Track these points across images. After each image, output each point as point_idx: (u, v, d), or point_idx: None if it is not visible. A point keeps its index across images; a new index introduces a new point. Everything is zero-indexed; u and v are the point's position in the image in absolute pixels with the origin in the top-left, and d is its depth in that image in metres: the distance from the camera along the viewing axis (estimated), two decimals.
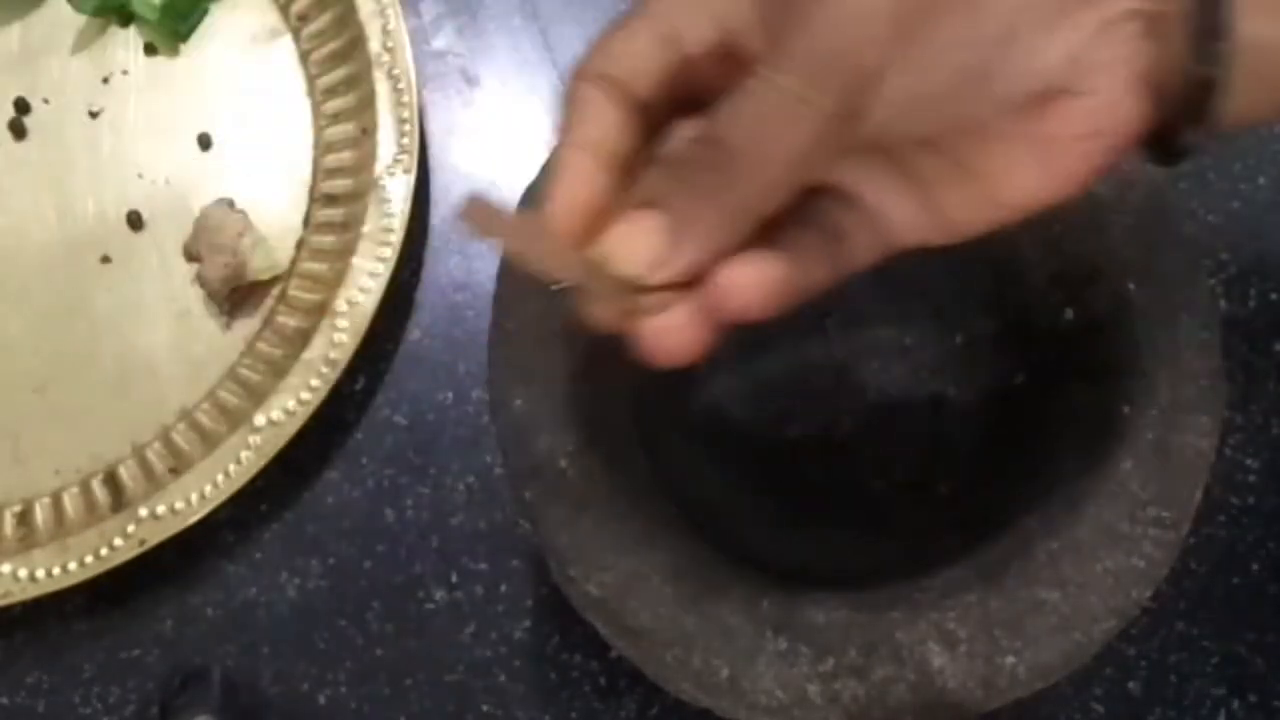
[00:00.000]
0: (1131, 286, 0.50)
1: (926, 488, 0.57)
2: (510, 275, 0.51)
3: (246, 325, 0.69)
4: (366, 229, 0.67)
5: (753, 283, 0.37)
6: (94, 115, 0.74)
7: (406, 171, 0.68)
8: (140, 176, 0.72)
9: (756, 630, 0.45)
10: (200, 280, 0.68)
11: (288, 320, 0.68)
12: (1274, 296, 0.66)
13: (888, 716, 0.44)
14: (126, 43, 0.75)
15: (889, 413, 0.58)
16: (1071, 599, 0.45)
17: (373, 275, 0.66)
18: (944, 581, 0.47)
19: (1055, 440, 0.51)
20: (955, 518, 0.53)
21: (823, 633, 0.45)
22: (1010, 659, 0.44)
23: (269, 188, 0.71)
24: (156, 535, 0.63)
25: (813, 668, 0.45)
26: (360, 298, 0.65)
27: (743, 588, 0.47)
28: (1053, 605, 0.45)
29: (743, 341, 0.58)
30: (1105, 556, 0.46)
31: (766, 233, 0.37)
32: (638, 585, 0.46)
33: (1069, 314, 0.52)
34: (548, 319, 0.50)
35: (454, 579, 0.64)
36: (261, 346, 0.68)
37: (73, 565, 0.63)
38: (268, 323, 0.68)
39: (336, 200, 0.70)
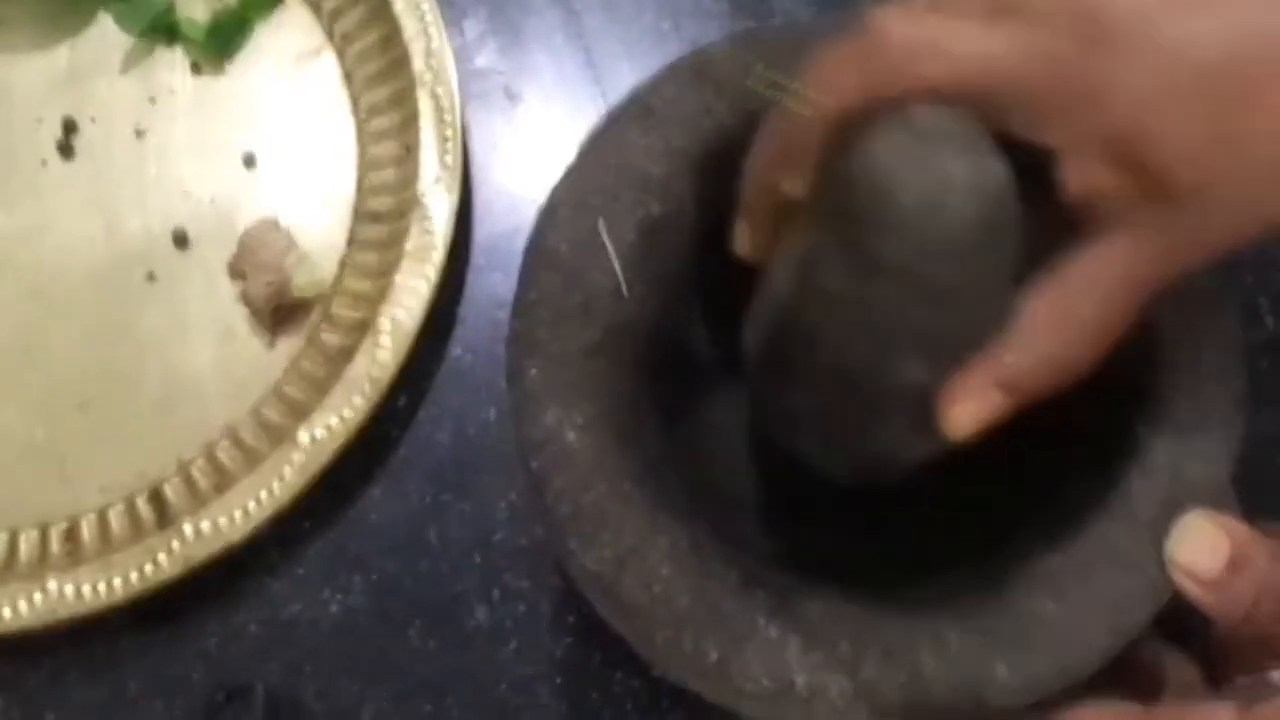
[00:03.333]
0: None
1: (938, 494, 0.56)
2: (536, 249, 0.51)
3: (290, 343, 0.69)
4: (409, 247, 0.67)
5: None
6: (140, 135, 0.74)
7: (449, 189, 0.68)
8: (186, 195, 0.73)
9: (749, 617, 0.45)
10: (244, 298, 0.69)
11: (331, 338, 0.68)
12: None
13: (873, 714, 0.44)
14: (173, 63, 0.76)
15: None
16: (1070, 614, 0.45)
17: (415, 293, 0.66)
18: (943, 586, 0.47)
19: (1068, 455, 0.51)
20: (963, 525, 0.52)
21: (814, 625, 0.45)
22: (1002, 668, 0.44)
23: (313, 206, 0.72)
24: (201, 552, 0.63)
25: (801, 659, 0.44)
26: (403, 315, 0.66)
27: (739, 574, 0.46)
28: (1050, 619, 0.45)
29: None
30: (1107, 574, 0.45)
31: None
32: (635, 562, 0.46)
33: None
34: (568, 293, 0.50)
35: (496, 596, 0.64)
36: (305, 364, 0.68)
37: (118, 582, 0.63)
38: (311, 340, 0.69)
39: (380, 218, 0.70)
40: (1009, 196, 0.41)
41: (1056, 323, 0.43)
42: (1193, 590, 0.44)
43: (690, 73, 0.53)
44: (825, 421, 0.50)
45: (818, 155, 0.43)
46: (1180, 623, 0.47)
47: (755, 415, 0.55)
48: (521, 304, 0.50)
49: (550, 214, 0.51)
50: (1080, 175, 0.41)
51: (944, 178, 0.40)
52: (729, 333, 0.55)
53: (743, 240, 0.49)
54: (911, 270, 0.42)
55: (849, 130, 0.41)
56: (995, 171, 0.41)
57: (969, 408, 0.44)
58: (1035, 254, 0.43)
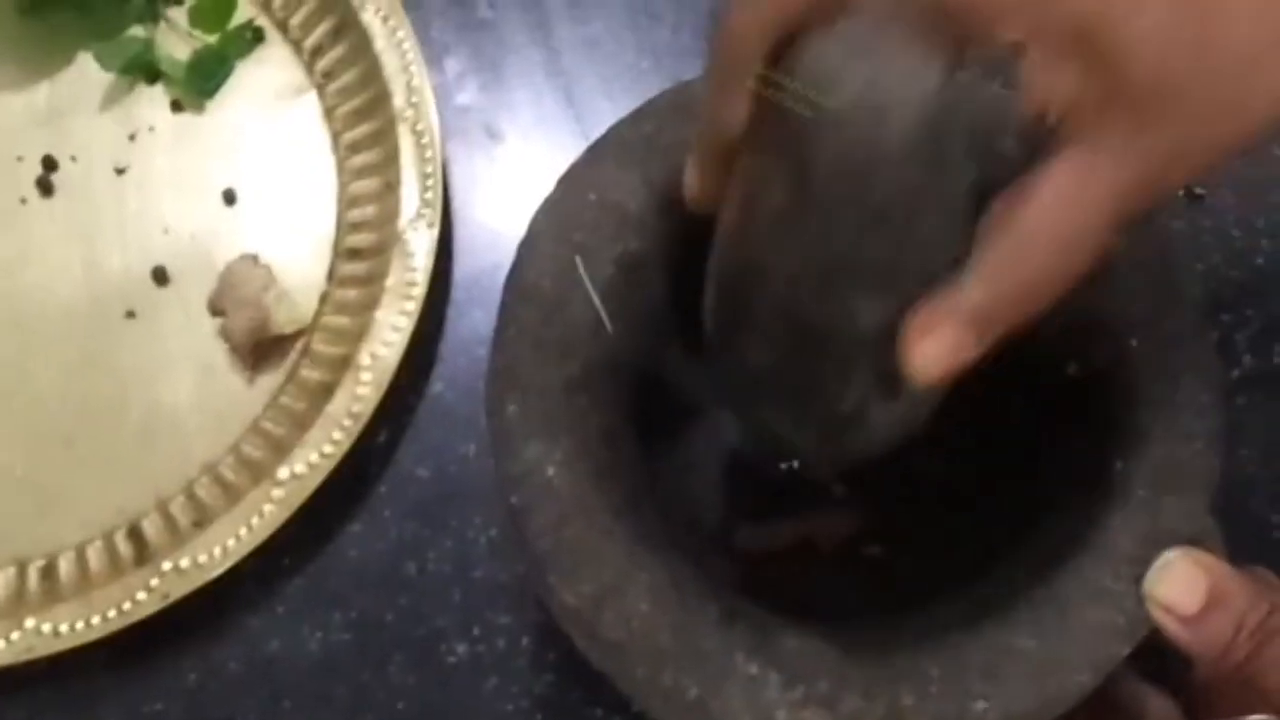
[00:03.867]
0: (1134, 344, 0.50)
1: (916, 530, 0.57)
2: (514, 284, 0.51)
3: (270, 379, 0.69)
4: (390, 283, 0.67)
5: None
6: (120, 172, 0.74)
7: (430, 225, 0.68)
8: (166, 232, 0.73)
9: (728, 653, 0.45)
10: (224, 334, 0.69)
11: (311, 374, 0.68)
12: None
13: None
14: (153, 100, 0.76)
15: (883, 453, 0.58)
16: (1048, 649, 0.45)
17: (396, 329, 0.66)
18: (922, 622, 0.47)
19: (1046, 491, 0.51)
20: (942, 562, 0.52)
21: (794, 661, 0.45)
22: (981, 704, 0.44)
23: (293, 242, 0.72)
24: (180, 589, 0.63)
25: (781, 694, 0.44)
26: (383, 351, 0.66)
27: (719, 610, 0.46)
28: (1029, 654, 0.45)
29: None
30: (1086, 610, 0.45)
31: None
32: (614, 598, 0.46)
33: (1072, 368, 0.52)
34: (547, 327, 0.50)
35: (476, 632, 0.64)
36: (285, 400, 0.68)
37: (96, 619, 0.63)
38: (291, 376, 0.69)
39: (360, 254, 0.70)
40: (954, 106, 0.40)
41: (1020, 251, 0.40)
42: (1171, 627, 0.44)
43: (670, 107, 0.53)
44: (786, 381, 0.48)
45: (752, 72, 0.41)
46: (1160, 661, 0.48)
47: (718, 391, 0.53)
48: (500, 339, 0.50)
49: (529, 248, 0.52)
50: (1040, 76, 0.39)
51: (879, 79, 0.39)
52: (708, 367, 0.55)
53: (693, 183, 0.47)
54: (849, 179, 0.40)
55: (783, 43, 0.40)
56: (937, 78, 0.39)
57: (934, 347, 0.41)
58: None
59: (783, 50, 0.41)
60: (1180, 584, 0.44)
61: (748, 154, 0.44)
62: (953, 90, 0.39)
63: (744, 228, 0.45)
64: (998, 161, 0.41)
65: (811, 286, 0.44)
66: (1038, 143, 0.40)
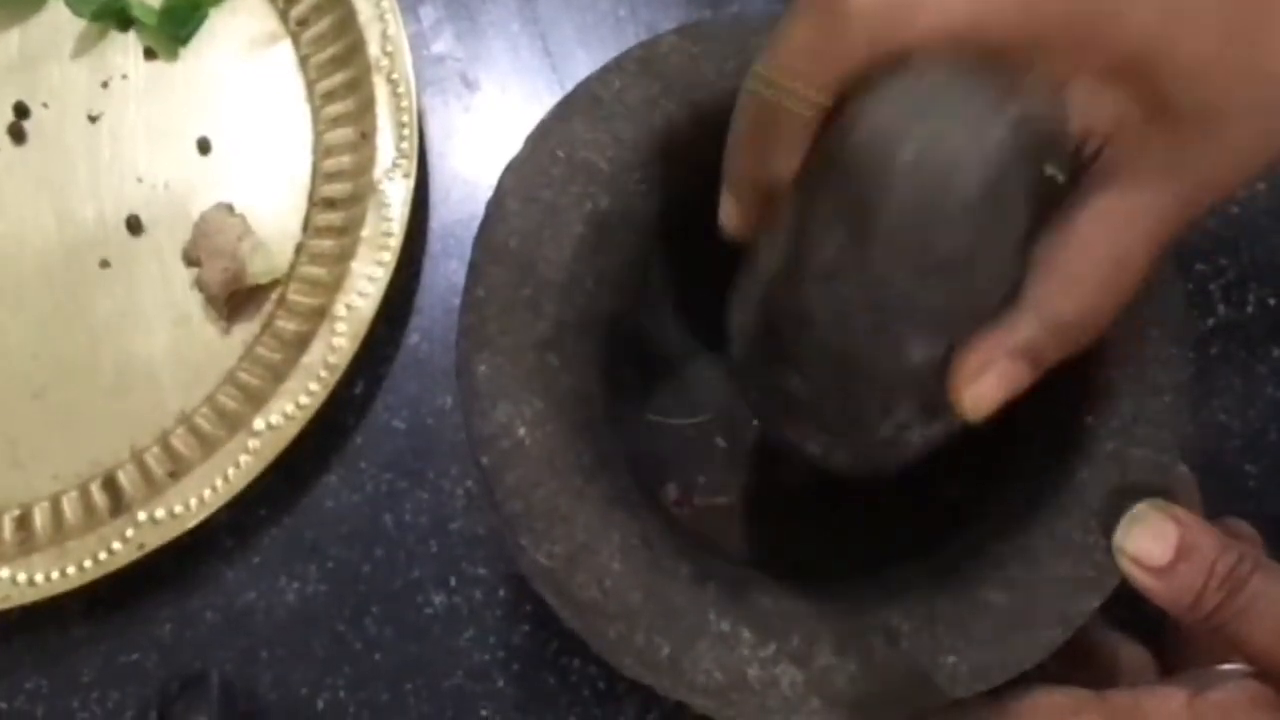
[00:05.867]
0: None
1: (892, 487, 0.57)
2: (484, 243, 0.51)
3: (245, 329, 0.69)
4: (365, 233, 0.67)
5: None
6: (93, 120, 0.74)
7: (406, 176, 0.68)
8: (139, 181, 0.72)
9: (700, 611, 0.46)
10: (199, 284, 0.68)
11: (287, 324, 0.68)
12: (1272, 302, 0.66)
13: (825, 705, 0.45)
14: (126, 47, 0.75)
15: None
16: (1018, 603, 0.45)
17: (372, 279, 0.66)
18: (893, 578, 0.48)
19: (1017, 446, 0.51)
20: (915, 518, 0.53)
21: (766, 618, 0.46)
22: (952, 658, 0.45)
23: (268, 192, 0.71)
24: (155, 539, 0.63)
25: (753, 652, 0.45)
26: (359, 302, 0.65)
27: (691, 568, 0.47)
28: (998, 608, 0.45)
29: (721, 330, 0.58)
30: (1055, 564, 0.46)
31: None
32: (587, 558, 0.46)
33: None
34: (519, 287, 0.50)
35: (453, 583, 0.64)
36: (260, 351, 0.68)
37: (71, 570, 0.63)
38: (267, 327, 0.68)
39: (335, 204, 0.70)
40: (1015, 154, 0.39)
41: (1069, 285, 0.41)
42: (1141, 579, 0.44)
43: (638, 65, 0.53)
44: (825, 408, 0.48)
45: (809, 125, 0.41)
46: (1134, 612, 0.48)
47: (744, 400, 0.54)
48: (470, 298, 0.50)
49: (498, 207, 0.51)
50: (1087, 103, 0.40)
51: (946, 133, 0.39)
52: (680, 323, 0.55)
53: (729, 218, 0.47)
54: (912, 235, 0.40)
55: (842, 98, 0.40)
56: (1000, 130, 0.39)
57: (989, 384, 0.42)
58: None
59: (843, 99, 0.40)
60: (1149, 536, 0.44)
61: (799, 198, 0.43)
62: (1013, 137, 0.39)
63: (789, 266, 0.45)
64: (1047, 190, 0.41)
65: (862, 328, 0.44)
66: (1080, 166, 0.41)
